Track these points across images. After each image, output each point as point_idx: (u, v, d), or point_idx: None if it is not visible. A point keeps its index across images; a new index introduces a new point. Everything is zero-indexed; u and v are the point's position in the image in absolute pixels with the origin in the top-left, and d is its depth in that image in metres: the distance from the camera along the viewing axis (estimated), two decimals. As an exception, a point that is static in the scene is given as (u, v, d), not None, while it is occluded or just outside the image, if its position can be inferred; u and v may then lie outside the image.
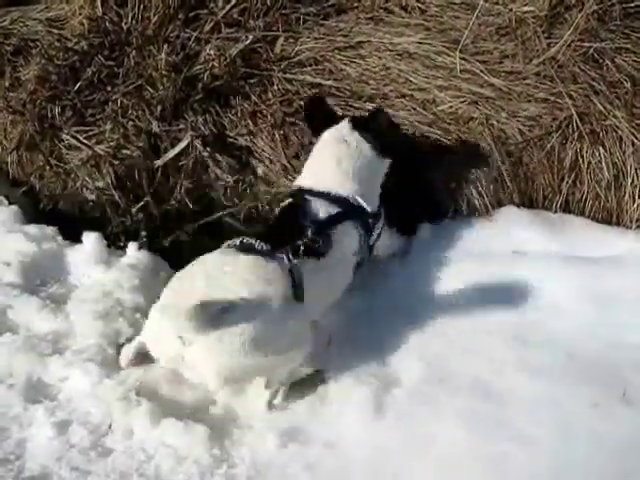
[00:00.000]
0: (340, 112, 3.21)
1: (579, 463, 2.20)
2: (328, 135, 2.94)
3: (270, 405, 2.51)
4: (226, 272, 2.39)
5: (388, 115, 3.06)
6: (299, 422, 2.44)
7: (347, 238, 2.73)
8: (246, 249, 2.48)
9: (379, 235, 2.89)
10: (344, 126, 2.94)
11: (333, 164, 2.85)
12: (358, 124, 2.94)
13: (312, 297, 2.49)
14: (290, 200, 2.80)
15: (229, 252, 2.51)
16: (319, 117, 3.02)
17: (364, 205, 2.79)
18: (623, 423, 2.32)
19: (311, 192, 2.77)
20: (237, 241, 2.54)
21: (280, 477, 2.28)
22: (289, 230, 2.62)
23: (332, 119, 3.00)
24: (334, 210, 2.71)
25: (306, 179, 2.88)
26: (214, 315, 2.21)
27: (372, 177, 2.92)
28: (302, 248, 2.50)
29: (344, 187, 2.79)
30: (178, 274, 2.54)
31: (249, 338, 2.27)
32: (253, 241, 2.50)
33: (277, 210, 2.87)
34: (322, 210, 2.70)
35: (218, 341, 2.24)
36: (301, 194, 2.78)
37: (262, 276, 2.40)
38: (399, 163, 3.04)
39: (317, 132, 2.98)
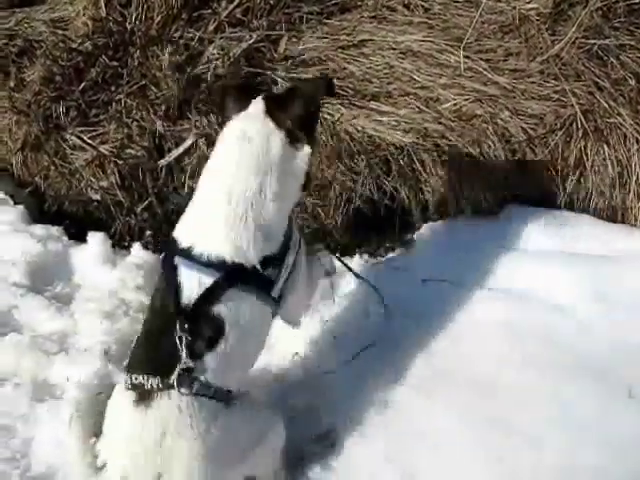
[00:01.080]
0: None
1: (584, 461, 2.20)
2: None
3: None
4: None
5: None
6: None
7: (240, 310, 2.11)
8: (139, 395, 2.00)
9: (290, 274, 2.27)
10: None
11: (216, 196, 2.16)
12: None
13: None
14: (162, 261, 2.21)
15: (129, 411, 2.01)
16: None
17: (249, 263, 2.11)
18: (628, 421, 2.30)
19: (182, 251, 2.12)
20: (128, 380, 2.04)
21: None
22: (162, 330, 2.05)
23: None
24: (208, 280, 2.07)
25: (185, 224, 2.22)
26: None
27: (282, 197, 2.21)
28: (187, 371, 1.99)
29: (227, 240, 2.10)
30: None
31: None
32: (142, 378, 2.00)
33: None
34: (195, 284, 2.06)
35: None
36: (171, 253, 2.15)
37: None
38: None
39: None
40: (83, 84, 3.51)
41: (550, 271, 2.85)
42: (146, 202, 3.38)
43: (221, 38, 3.46)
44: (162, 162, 3.37)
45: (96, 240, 3.22)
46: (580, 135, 3.17)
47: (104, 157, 3.42)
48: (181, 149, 3.35)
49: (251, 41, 3.42)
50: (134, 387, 2.01)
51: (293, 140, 2.20)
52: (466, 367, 2.53)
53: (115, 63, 3.53)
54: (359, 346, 2.65)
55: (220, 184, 2.16)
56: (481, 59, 3.30)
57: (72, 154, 3.51)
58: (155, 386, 1.98)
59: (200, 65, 3.42)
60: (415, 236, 3.18)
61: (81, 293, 3.03)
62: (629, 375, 2.43)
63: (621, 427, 2.28)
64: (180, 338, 1.99)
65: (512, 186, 3.23)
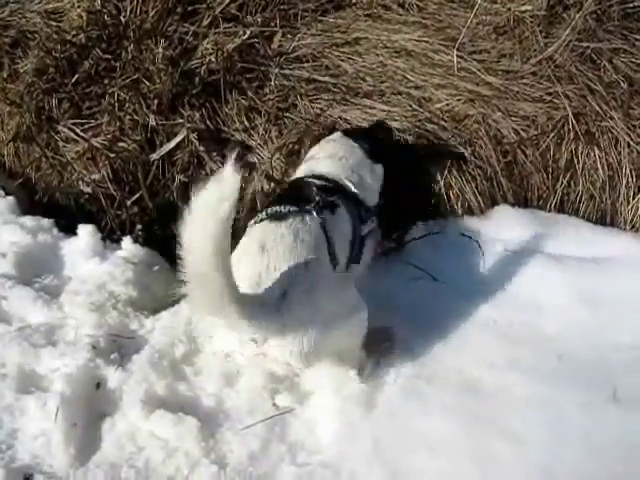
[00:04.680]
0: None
1: (568, 463, 2.20)
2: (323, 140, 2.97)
3: (361, 373, 2.49)
4: (269, 248, 2.24)
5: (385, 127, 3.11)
6: (289, 417, 2.44)
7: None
8: (277, 217, 2.36)
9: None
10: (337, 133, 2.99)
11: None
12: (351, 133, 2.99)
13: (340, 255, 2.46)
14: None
15: (264, 226, 2.36)
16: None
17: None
18: (613, 423, 2.31)
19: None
20: (262, 214, 2.41)
21: (269, 469, 2.28)
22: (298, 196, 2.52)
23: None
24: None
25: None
26: (273, 303, 2.13)
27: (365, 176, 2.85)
28: (321, 203, 2.45)
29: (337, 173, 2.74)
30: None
31: (318, 315, 2.20)
32: (278, 207, 2.39)
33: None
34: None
35: (291, 329, 2.16)
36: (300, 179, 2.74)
37: (307, 241, 2.31)
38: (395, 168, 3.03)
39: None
40: (76, 76, 3.50)
41: (539, 272, 2.86)
42: (137, 195, 3.38)
43: (215, 33, 3.46)
44: (154, 156, 3.36)
45: (86, 233, 3.21)
46: (571, 137, 3.18)
47: (96, 150, 3.41)
48: (173, 143, 3.34)
49: (245, 37, 3.42)
50: (272, 216, 2.36)
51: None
52: (454, 367, 2.53)
53: (109, 56, 3.52)
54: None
55: None
56: (475, 60, 3.32)
57: (64, 146, 3.50)
58: (292, 209, 2.37)
59: (194, 60, 3.43)
60: (405, 235, 3.17)
61: (70, 285, 3.01)
62: (615, 377, 2.44)
63: (605, 428, 2.29)
64: None
65: (503, 187, 3.24)
